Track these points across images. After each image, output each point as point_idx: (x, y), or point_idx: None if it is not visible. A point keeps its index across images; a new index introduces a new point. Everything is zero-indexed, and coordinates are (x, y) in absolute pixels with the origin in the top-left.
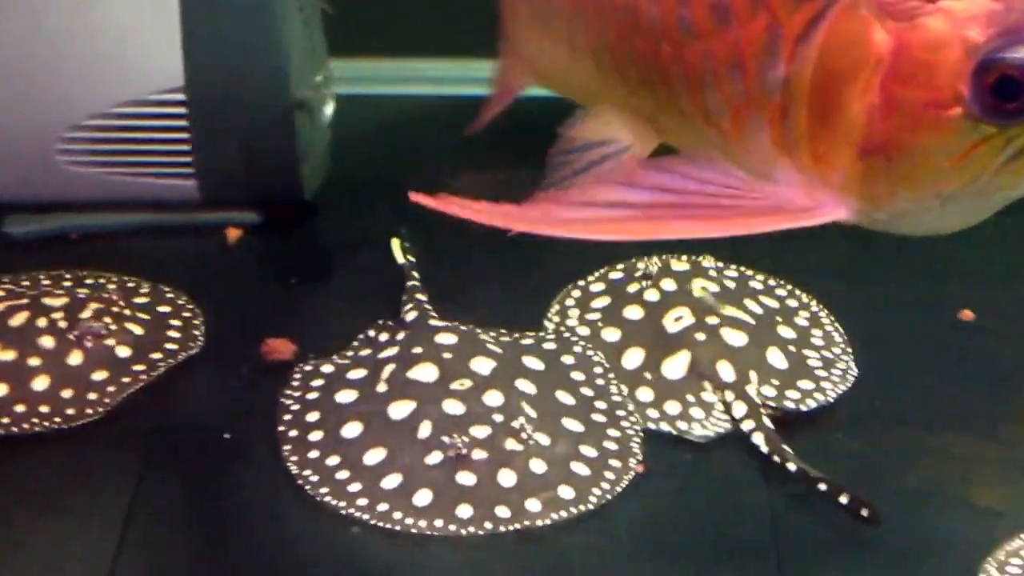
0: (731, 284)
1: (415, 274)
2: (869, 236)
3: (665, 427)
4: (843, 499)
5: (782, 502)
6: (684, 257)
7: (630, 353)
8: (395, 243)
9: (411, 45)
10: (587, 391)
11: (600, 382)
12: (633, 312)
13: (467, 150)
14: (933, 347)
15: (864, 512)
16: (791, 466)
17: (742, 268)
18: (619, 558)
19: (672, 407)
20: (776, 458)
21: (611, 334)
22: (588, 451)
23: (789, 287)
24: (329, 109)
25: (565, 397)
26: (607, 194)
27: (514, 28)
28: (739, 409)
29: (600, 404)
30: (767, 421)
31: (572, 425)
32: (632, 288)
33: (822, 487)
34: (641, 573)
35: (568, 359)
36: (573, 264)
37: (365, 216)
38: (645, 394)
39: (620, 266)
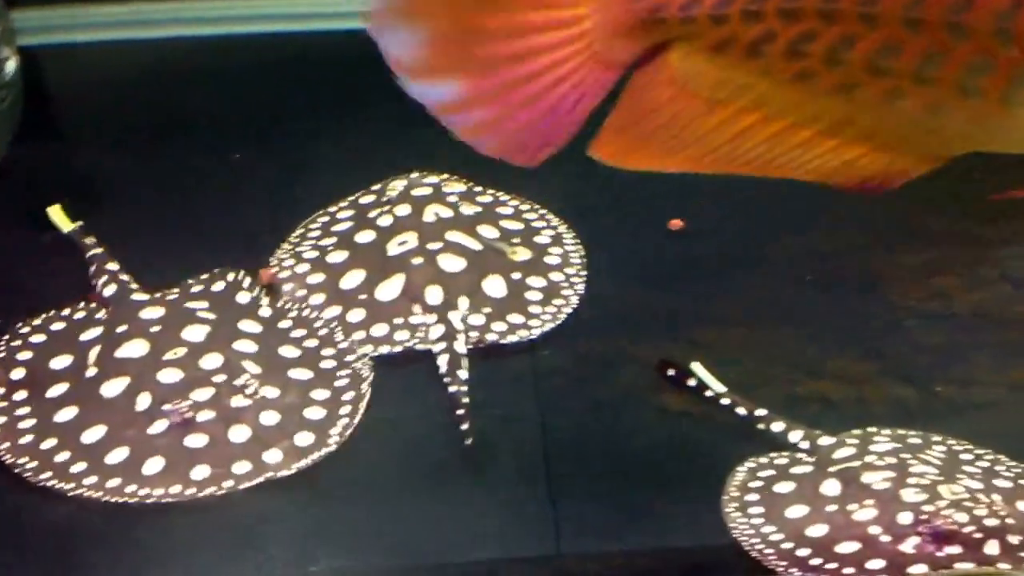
0: (475, 209)
1: (88, 241)
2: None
3: (368, 348)
4: (464, 425)
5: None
6: (431, 180)
7: (351, 275)
8: (53, 211)
9: None
10: (311, 343)
11: (323, 332)
12: (365, 236)
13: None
14: (643, 257)
15: (468, 441)
16: (451, 388)
17: (498, 193)
18: (367, 490)
19: (379, 329)
20: (447, 379)
21: (338, 255)
22: (321, 394)
23: (542, 211)
24: (11, 65)
25: (289, 351)
26: None
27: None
28: (436, 331)
29: (327, 351)
30: (459, 347)
31: (300, 375)
32: (373, 213)
33: (459, 411)
34: (396, 500)
35: (286, 322)
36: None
37: (60, 177)
38: (356, 315)
39: (375, 187)
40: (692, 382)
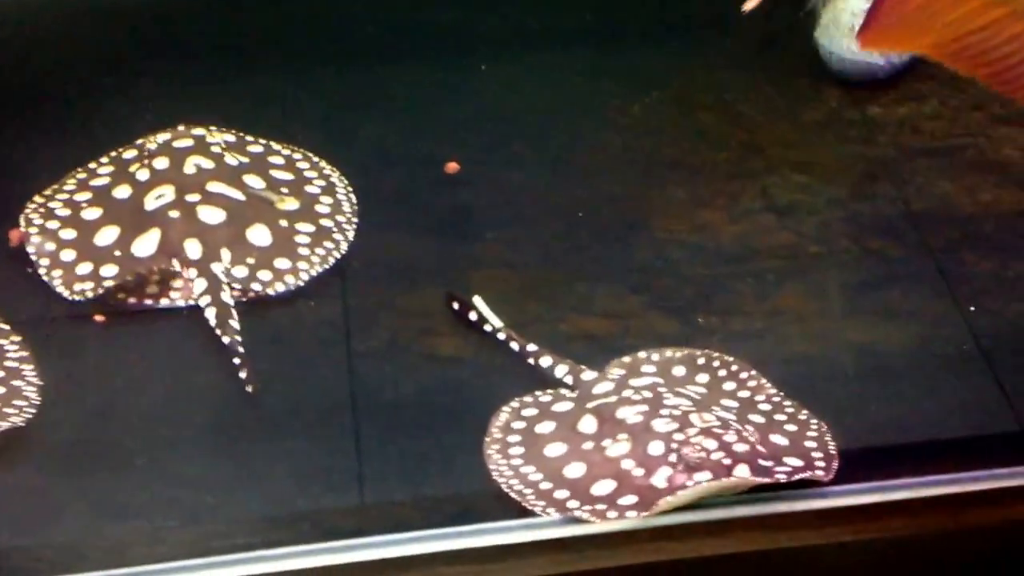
0: (242, 159)
1: None
2: (364, 96)
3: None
4: (243, 374)
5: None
6: (197, 132)
7: (104, 231)
8: None
9: None
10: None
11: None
12: (122, 191)
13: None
14: (414, 203)
15: (249, 388)
16: (225, 339)
17: (270, 143)
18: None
19: (135, 285)
20: (218, 331)
21: (93, 212)
22: None
23: (315, 159)
24: None
25: None
26: None
27: None
28: (199, 286)
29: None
30: (225, 298)
31: None
32: (133, 168)
33: (236, 360)
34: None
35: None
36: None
37: None
38: (109, 270)
39: (139, 141)
40: (473, 316)
